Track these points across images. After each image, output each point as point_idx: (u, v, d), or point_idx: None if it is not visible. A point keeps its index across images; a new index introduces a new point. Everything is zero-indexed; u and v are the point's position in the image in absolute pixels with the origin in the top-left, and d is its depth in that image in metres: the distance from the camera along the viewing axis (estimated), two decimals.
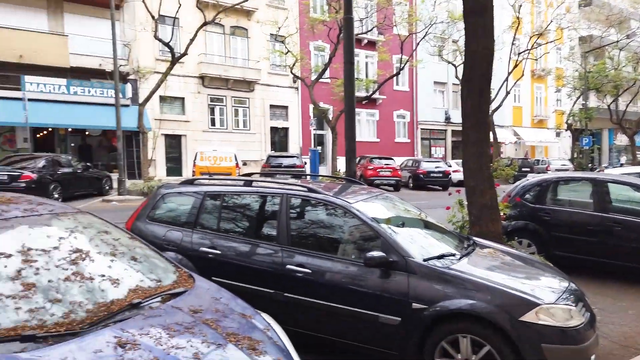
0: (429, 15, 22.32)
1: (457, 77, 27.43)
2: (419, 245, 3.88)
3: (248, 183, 4.56)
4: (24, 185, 12.98)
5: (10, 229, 2.63)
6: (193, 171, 18.04)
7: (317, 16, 23.71)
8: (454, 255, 3.87)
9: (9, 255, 2.36)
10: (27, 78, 18.60)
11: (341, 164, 24.46)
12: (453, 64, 26.41)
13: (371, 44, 29.31)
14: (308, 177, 13.80)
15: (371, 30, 24.65)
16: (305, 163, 22.09)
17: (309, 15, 23.26)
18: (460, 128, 5.85)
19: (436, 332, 3.39)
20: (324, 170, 27.44)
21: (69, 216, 3.03)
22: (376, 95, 28.11)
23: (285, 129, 28.01)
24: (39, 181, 13.61)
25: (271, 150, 26.33)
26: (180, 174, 23.34)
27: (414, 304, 3.45)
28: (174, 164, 24.10)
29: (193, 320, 2.41)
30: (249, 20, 25.77)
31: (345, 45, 7.17)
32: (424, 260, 3.61)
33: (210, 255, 4.28)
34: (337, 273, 3.78)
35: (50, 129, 20.80)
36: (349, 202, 4.05)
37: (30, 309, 2.12)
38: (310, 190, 4.25)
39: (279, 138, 27.89)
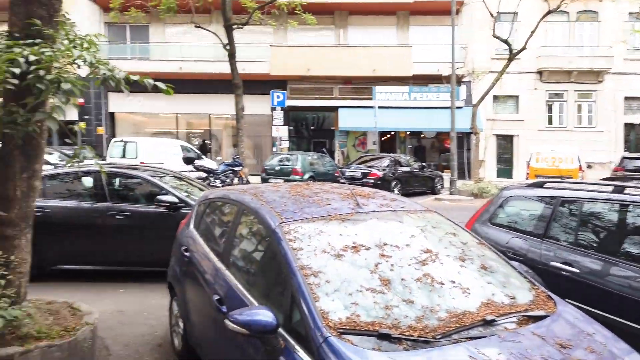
0: None
1: None
2: None
3: (619, 189, 3.61)
4: (372, 181, 14.93)
5: (369, 222, 2.76)
6: (527, 173, 16.75)
7: None
8: None
9: (368, 248, 2.44)
10: (377, 88, 21.36)
11: None
12: None
13: None
14: None
15: None
16: None
17: None
18: None
19: None
20: None
21: (419, 214, 3.00)
22: None
23: None
24: (383, 178, 15.39)
25: (624, 150, 22.02)
26: (510, 176, 22.32)
27: None
28: (504, 165, 23.23)
29: (562, 358, 1.91)
30: (600, 1, 22.16)
31: None
32: None
33: (564, 273, 3.60)
34: None
35: (392, 133, 23.35)
36: None
37: (385, 305, 2.09)
38: None
39: (635, 136, 23.10)
